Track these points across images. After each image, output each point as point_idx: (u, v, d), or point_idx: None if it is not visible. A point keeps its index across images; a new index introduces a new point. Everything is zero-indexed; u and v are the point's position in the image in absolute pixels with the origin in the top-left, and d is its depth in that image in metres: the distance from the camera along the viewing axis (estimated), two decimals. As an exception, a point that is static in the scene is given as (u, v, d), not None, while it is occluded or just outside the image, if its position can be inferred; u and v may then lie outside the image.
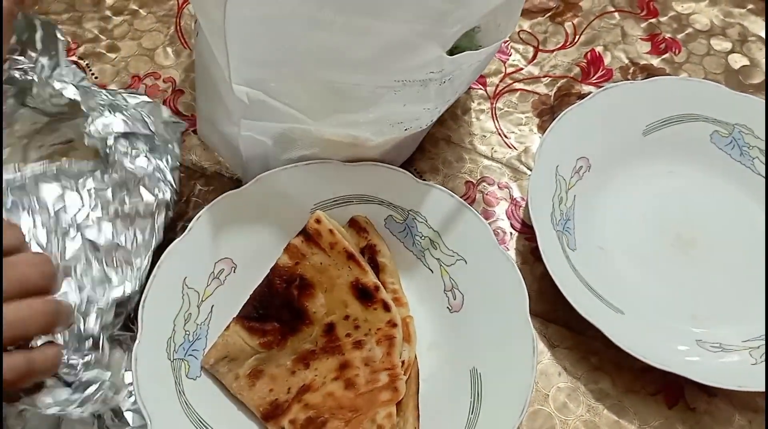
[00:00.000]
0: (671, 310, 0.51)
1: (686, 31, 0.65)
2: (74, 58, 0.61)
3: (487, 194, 0.56)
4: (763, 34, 0.65)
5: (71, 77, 0.51)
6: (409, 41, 0.40)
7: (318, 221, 0.48)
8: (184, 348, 0.46)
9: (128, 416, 0.43)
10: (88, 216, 0.46)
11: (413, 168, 0.57)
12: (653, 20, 0.66)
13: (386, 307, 0.47)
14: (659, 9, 0.67)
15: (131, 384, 0.43)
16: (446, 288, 0.49)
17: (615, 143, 0.56)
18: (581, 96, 0.60)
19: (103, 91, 0.51)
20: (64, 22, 0.63)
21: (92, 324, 0.43)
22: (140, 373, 0.42)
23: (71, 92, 0.49)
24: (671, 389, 0.49)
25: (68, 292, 0.43)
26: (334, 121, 0.46)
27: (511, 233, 0.55)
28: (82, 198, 0.47)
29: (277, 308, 0.47)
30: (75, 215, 0.46)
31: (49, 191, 0.47)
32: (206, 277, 0.48)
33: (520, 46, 0.64)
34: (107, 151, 0.47)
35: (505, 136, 0.59)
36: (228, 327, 0.47)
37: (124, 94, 0.52)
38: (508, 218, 0.55)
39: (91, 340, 0.43)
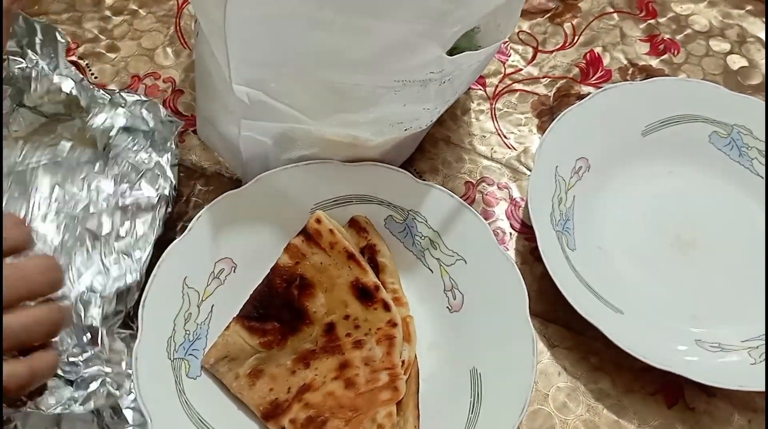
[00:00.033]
0: (671, 310, 0.51)
1: (685, 32, 0.66)
2: (74, 58, 0.61)
3: (486, 194, 0.56)
4: (761, 35, 0.65)
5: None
6: (409, 41, 0.40)
7: (318, 221, 0.48)
8: (184, 347, 0.46)
9: (127, 414, 0.43)
10: (88, 207, 0.46)
11: (413, 168, 0.57)
12: (652, 21, 0.66)
13: (386, 307, 0.47)
14: (658, 10, 0.67)
15: (131, 381, 0.43)
16: (446, 288, 0.50)
17: (614, 144, 0.56)
18: (580, 97, 0.60)
19: (101, 90, 0.52)
20: (64, 22, 0.63)
21: (93, 314, 0.43)
22: (141, 373, 0.42)
23: (68, 86, 0.50)
24: (671, 389, 0.49)
25: (68, 282, 0.43)
26: (334, 121, 0.46)
27: (510, 233, 0.55)
28: (82, 189, 0.47)
29: (277, 308, 0.47)
30: (75, 206, 0.46)
31: (49, 181, 0.47)
32: (206, 276, 0.48)
33: (520, 47, 0.64)
34: (108, 143, 0.48)
35: (505, 137, 0.59)
36: (228, 327, 0.47)
37: (121, 93, 0.53)
38: (508, 218, 0.56)
39: (90, 334, 0.43)
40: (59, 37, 0.54)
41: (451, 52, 0.42)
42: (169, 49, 0.62)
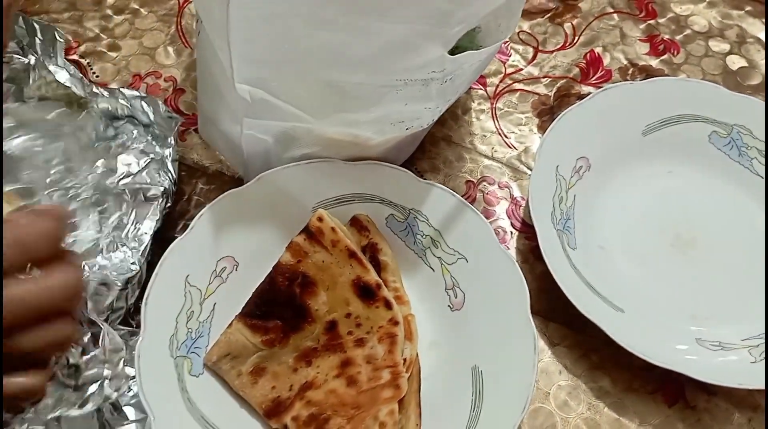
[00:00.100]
0: (671, 309, 0.51)
1: (685, 33, 0.66)
2: (75, 57, 0.61)
3: (487, 193, 0.57)
4: (761, 36, 0.66)
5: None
6: (411, 41, 0.40)
7: (320, 219, 0.48)
8: (186, 345, 0.46)
9: (127, 410, 0.43)
10: (89, 197, 0.47)
11: (414, 167, 0.57)
12: (652, 21, 0.66)
13: (388, 305, 0.47)
14: (658, 10, 0.67)
15: (131, 378, 0.43)
16: (447, 286, 0.50)
17: (614, 143, 0.56)
18: (581, 96, 0.60)
19: (100, 87, 0.52)
20: (65, 21, 0.63)
21: (98, 307, 0.44)
22: (143, 371, 0.42)
23: (64, 77, 0.50)
24: (671, 387, 0.49)
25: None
26: (336, 119, 0.46)
27: (511, 232, 0.55)
28: (80, 178, 0.48)
29: (279, 306, 0.47)
30: (76, 195, 0.47)
31: (49, 170, 0.47)
32: (208, 274, 0.48)
33: (520, 47, 0.64)
34: (107, 134, 0.48)
35: (505, 136, 0.60)
36: (230, 324, 0.47)
37: (120, 89, 0.53)
38: (509, 217, 0.56)
39: (90, 334, 0.43)
40: (58, 37, 0.54)
41: (453, 52, 0.42)
42: (170, 48, 0.62)
